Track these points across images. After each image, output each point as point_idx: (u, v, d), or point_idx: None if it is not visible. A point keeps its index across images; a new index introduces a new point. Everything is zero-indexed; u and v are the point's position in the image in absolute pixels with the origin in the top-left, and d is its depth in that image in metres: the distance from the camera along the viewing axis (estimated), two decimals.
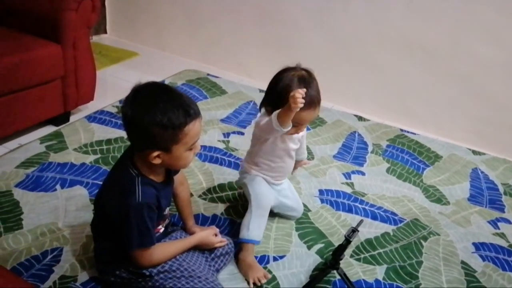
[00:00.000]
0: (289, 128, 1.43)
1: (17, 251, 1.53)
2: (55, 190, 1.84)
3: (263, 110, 1.58)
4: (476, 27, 2.50)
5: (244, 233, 1.56)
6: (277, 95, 1.46)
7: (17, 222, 1.65)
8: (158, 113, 1.16)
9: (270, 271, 1.58)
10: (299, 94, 1.30)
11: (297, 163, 1.79)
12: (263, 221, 1.58)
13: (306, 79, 1.47)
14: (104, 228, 1.38)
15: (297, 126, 1.51)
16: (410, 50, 2.71)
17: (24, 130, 2.18)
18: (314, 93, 1.47)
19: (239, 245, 1.60)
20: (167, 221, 1.48)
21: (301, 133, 1.64)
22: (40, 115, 2.21)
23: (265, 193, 1.62)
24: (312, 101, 1.45)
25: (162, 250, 1.37)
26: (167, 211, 1.42)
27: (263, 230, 1.61)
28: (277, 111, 1.41)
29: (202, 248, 1.49)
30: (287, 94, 1.36)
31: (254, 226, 1.55)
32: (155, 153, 1.21)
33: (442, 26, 2.58)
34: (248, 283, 1.52)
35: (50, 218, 1.69)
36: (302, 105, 1.32)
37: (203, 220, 1.78)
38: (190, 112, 1.19)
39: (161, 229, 1.45)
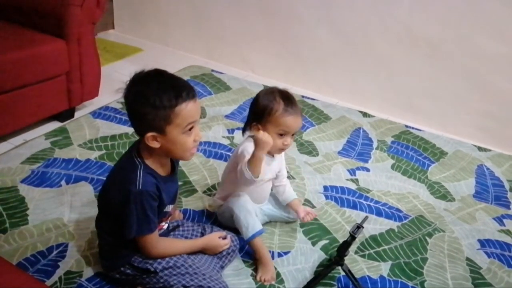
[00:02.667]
0: (258, 176, 1.49)
1: (22, 246, 1.54)
2: (60, 186, 1.84)
3: (246, 133, 1.63)
4: (482, 22, 2.48)
5: (247, 232, 1.54)
6: (261, 109, 1.53)
7: (22, 217, 1.66)
8: (150, 93, 1.20)
9: (274, 268, 1.58)
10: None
11: (298, 212, 1.70)
12: (253, 216, 1.57)
13: (286, 92, 1.56)
14: (107, 224, 1.38)
15: (283, 134, 1.53)
16: (415, 45, 2.69)
17: (29, 126, 2.19)
18: (296, 103, 1.54)
19: (250, 246, 1.58)
20: (169, 219, 1.50)
21: (279, 160, 1.64)
22: (45, 111, 2.22)
23: (244, 199, 1.60)
24: (296, 107, 1.52)
25: (170, 243, 1.41)
26: (170, 208, 1.43)
27: (257, 220, 1.59)
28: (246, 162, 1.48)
29: (208, 253, 1.48)
30: (270, 104, 1.50)
31: (249, 221, 1.54)
32: (150, 134, 1.23)
33: (448, 21, 2.56)
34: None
35: (56, 213, 1.70)
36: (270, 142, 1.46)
37: (207, 216, 1.79)
38: (182, 94, 1.21)
39: (164, 225, 1.46)
